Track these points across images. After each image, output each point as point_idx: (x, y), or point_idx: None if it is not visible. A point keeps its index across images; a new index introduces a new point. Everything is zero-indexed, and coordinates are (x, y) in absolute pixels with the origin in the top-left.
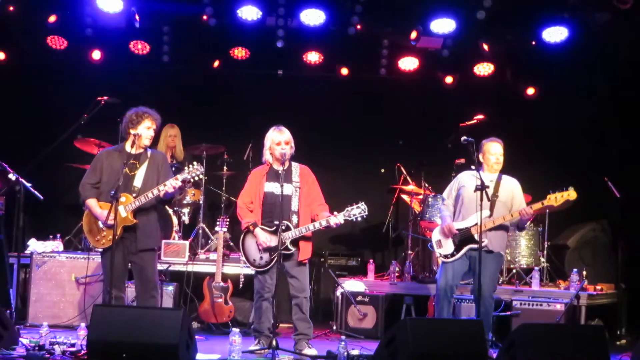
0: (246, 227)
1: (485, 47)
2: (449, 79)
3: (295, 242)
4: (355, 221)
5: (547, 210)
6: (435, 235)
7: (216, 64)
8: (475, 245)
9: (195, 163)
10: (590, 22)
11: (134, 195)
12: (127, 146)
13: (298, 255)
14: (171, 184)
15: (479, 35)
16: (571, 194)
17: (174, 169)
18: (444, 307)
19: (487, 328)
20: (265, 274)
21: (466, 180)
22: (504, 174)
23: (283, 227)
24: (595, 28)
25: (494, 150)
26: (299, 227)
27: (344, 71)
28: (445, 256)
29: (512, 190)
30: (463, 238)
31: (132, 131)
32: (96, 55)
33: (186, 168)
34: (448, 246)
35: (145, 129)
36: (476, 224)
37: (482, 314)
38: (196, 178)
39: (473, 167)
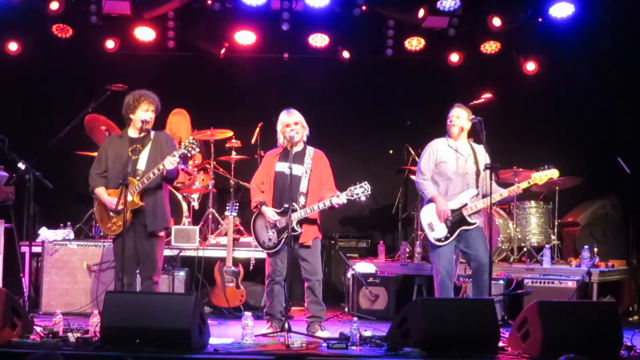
0: (255, 207)
1: (498, 20)
2: (455, 57)
3: (299, 223)
4: (359, 201)
5: (558, 188)
6: (426, 218)
7: (222, 51)
8: (468, 227)
9: (191, 138)
10: None
11: (138, 178)
12: (130, 131)
13: (300, 237)
14: (169, 161)
15: (485, 13)
16: (553, 172)
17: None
18: (449, 291)
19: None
20: (276, 258)
21: (444, 154)
22: (473, 143)
23: (292, 209)
24: (602, 2)
25: (449, 114)
26: (304, 208)
27: (345, 54)
28: (439, 239)
29: (484, 160)
30: (456, 220)
31: (131, 116)
32: (110, 44)
33: (182, 144)
34: (441, 229)
35: (142, 112)
36: (466, 205)
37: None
38: (192, 152)
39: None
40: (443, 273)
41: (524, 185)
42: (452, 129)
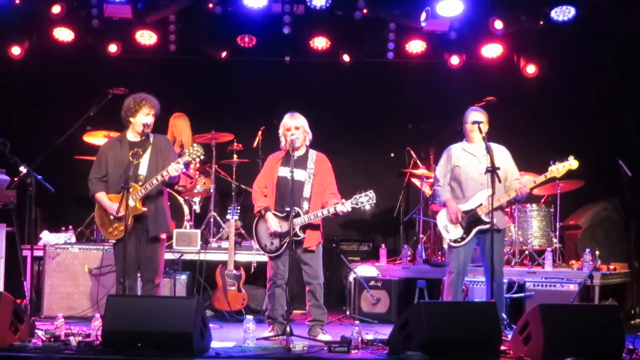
0: (258, 212)
1: (500, 23)
2: (455, 60)
3: (303, 228)
4: (363, 209)
5: (559, 190)
6: (442, 221)
7: (224, 54)
8: (484, 227)
9: (195, 144)
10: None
11: (140, 183)
12: (129, 135)
13: (303, 242)
14: (174, 168)
15: (486, 16)
16: (572, 164)
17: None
18: (458, 292)
19: (501, 307)
20: (278, 261)
21: (458, 159)
22: (491, 142)
23: (294, 214)
24: (603, 5)
25: (466, 119)
26: (308, 214)
27: (346, 57)
28: (455, 240)
29: (504, 160)
30: (471, 220)
31: (131, 119)
32: (112, 48)
33: (186, 150)
34: (456, 230)
35: (143, 116)
36: (481, 205)
37: (496, 292)
38: (197, 159)
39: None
40: (455, 273)
41: (540, 179)
42: (471, 134)
